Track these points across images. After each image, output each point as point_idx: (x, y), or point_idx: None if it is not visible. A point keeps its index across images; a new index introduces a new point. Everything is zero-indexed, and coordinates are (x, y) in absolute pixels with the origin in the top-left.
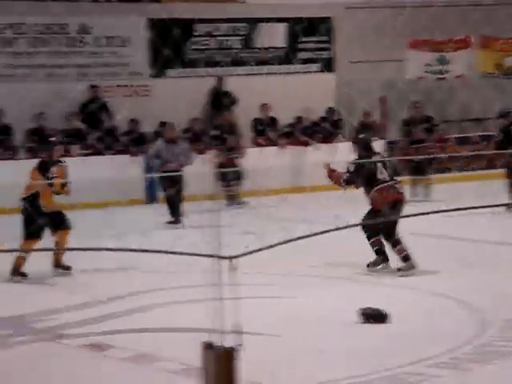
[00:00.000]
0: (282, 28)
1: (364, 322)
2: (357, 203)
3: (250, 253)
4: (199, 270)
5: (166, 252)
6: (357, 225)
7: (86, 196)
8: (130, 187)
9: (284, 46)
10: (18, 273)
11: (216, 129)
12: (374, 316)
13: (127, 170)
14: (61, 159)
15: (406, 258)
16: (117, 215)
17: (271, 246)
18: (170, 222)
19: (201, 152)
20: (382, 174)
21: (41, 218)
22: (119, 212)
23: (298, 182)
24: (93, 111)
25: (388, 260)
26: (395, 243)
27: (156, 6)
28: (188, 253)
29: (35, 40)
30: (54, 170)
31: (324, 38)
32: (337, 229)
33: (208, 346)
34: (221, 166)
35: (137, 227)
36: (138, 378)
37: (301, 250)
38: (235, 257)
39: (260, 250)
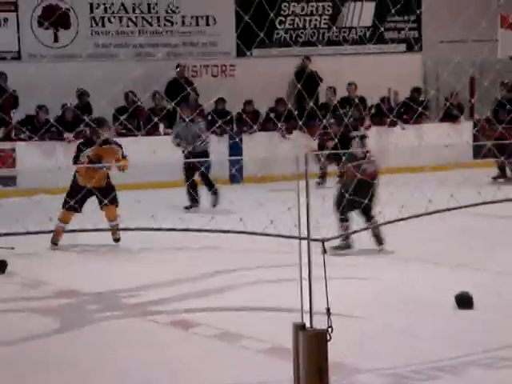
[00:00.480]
0: (369, 7)
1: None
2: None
3: (342, 236)
4: (289, 251)
5: (258, 234)
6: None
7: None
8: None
9: (371, 25)
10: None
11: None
12: (466, 301)
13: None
14: (110, 140)
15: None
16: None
17: (364, 229)
18: (187, 207)
19: (288, 132)
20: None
21: (81, 192)
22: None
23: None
24: (179, 90)
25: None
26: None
27: None
28: (280, 235)
29: (125, 19)
30: (88, 150)
31: (412, 18)
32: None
33: (300, 328)
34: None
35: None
36: (224, 356)
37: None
38: (328, 239)
39: (354, 232)
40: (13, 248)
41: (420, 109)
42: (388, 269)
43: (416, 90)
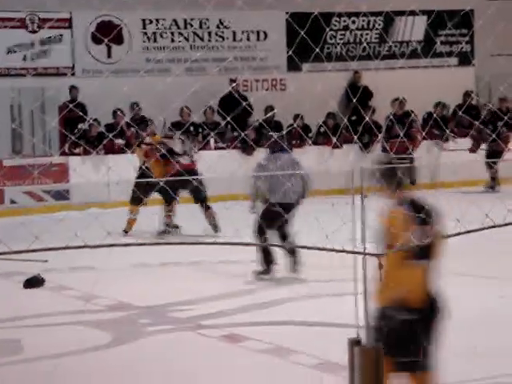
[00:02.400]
0: (420, 21)
1: None
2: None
3: (399, 250)
4: (343, 265)
5: (313, 248)
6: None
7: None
8: None
9: (421, 39)
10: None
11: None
12: None
13: None
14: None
15: None
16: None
17: (418, 245)
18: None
19: (336, 147)
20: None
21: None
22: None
23: (436, 177)
24: (232, 105)
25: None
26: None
27: (295, 0)
28: (334, 249)
29: (177, 34)
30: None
31: (463, 31)
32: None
33: (355, 343)
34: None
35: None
36: (275, 371)
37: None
38: (384, 254)
39: (407, 247)
40: (46, 261)
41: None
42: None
43: (467, 94)
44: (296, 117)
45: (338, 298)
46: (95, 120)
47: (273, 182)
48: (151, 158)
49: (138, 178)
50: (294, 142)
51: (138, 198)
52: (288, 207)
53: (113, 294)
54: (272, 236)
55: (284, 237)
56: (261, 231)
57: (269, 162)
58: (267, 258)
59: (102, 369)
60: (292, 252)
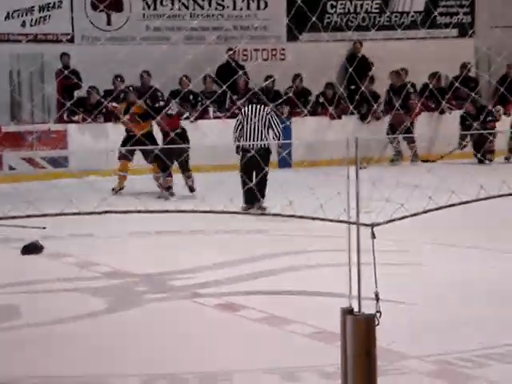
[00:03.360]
0: None
1: None
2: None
3: (392, 221)
4: (338, 236)
5: (307, 217)
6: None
7: (217, 158)
8: None
9: (423, 9)
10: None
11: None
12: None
13: None
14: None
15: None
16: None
17: (414, 215)
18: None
19: (338, 116)
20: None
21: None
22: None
23: (433, 150)
24: (230, 74)
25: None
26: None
27: None
28: (328, 219)
29: (177, 2)
30: None
31: (464, 2)
32: (477, 200)
33: (348, 312)
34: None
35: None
36: (270, 340)
37: (438, 220)
38: (377, 224)
39: (402, 218)
40: (44, 228)
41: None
42: (438, 254)
43: (464, 66)
44: (296, 77)
45: (334, 268)
46: (93, 87)
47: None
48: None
49: (125, 140)
50: (291, 109)
51: (125, 155)
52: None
53: (110, 261)
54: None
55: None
56: (243, 172)
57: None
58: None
59: (97, 334)
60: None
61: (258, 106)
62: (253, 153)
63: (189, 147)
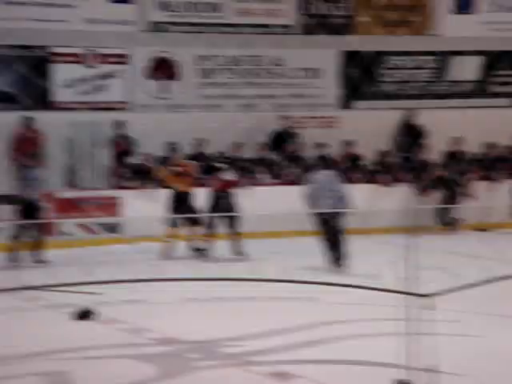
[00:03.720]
0: (475, 61)
1: None
2: None
3: (447, 291)
4: (389, 304)
5: (359, 287)
6: None
7: (270, 225)
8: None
9: (476, 79)
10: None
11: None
12: None
13: None
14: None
15: None
16: (297, 245)
17: (471, 286)
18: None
19: (388, 184)
20: None
21: None
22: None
23: (487, 218)
24: (284, 141)
25: None
26: None
27: (349, 39)
28: (383, 289)
29: (230, 71)
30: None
31: None
32: None
33: None
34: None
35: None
36: None
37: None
38: (431, 295)
39: (458, 289)
40: (97, 293)
41: None
42: (492, 327)
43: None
44: (348, 144)
45: (387, 337)
46: (147, 154)
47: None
48: (184, 181)
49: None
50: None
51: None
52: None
53: (161, 328)
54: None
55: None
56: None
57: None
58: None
59: None
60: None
61: (327, 172)
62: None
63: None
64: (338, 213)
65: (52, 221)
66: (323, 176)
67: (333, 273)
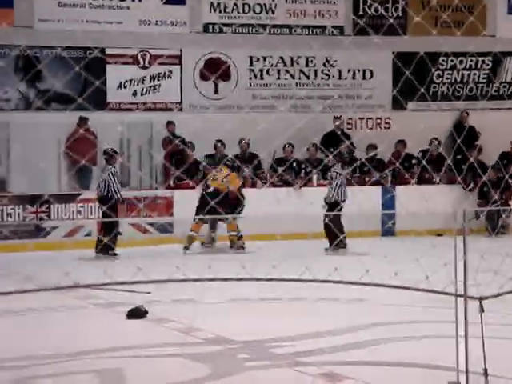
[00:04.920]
0: None
1: None
2: None
3: (501, 294)
4: (441, 306)
5: (413, 289)
6: None
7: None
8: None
9: None
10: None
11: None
12: None
13: (367, 200)
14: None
15: None
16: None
17: None
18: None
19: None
20: None
21: None
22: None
23: None
24: (335, 142)
25: None
26: None
27: (402, 39)
28: (435, 291)
29: (282, 72)
30: None
31: None
32: None
33: None
34: None
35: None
36: None
37: None
38: (485, 298)
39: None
40: (149, 293)
41: None
42: None
43: None
44: (398, 143)
45: (439, 339)
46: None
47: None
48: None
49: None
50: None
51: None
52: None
53: (212, 327)
54: None
55: None
56: None
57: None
58: None
59: None
60: None
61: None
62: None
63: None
64: None
65: (107, 220)
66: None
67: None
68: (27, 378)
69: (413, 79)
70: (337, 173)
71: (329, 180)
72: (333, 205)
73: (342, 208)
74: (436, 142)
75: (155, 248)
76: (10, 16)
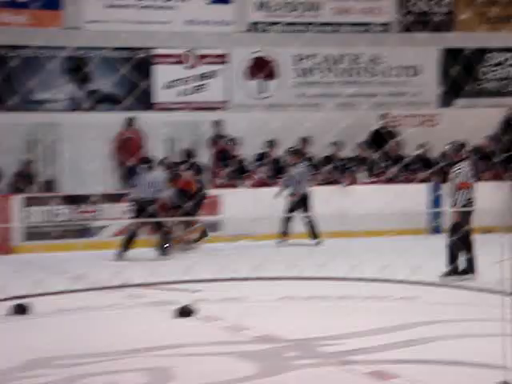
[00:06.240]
0: None
1: None
2: None
3: None
4: (489, 305)
5: (460, 287)
6: None
7: (370, 224)
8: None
9: None
10: None
11: None
12: None
13: (414, 198)
14: None
15: None
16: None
17: None
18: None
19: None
20: None
21: None
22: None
23: None
24: (383, 140)
25: None
26: None
27: (449, 36)
28: (482, 288)
29: (328, 70)
30: None
31: None
32: None
33: None
34: None
35: (412, 258)
36: None
37: None
38: None
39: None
40: (197, 291)
41: None
42: None
43: None
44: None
45: (487, 338)
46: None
47: None
48: None
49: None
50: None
51: None
52: None
53: (260, 326)
54: None
55: None
56: None
57: None
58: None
59: None
60: None
61: None
62: None
63: None
64: None
65: (155, 220)
66: None
67: (432, 272)
68: (78, 376)
69: (460, 76)
70: None
71: None
72: None
73: None
74: (484, 139)
75: (203, 247)
76: (59, 18)
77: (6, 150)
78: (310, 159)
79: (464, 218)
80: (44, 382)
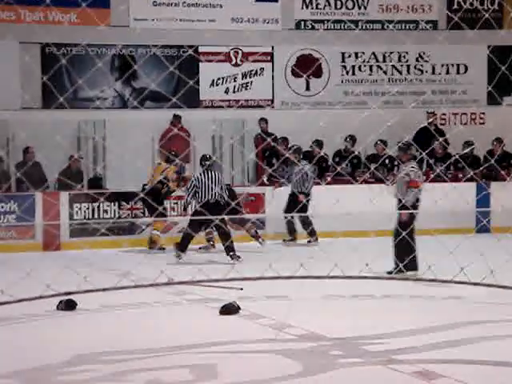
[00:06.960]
0: None
1: None
2: None
3: None
4: None
5: (507, 287)
6: None
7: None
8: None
9: None
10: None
11: None
12: None
13: (461, 197)
14: None
15: None
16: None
17: None
18: None
19: None
20: None
21: None
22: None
23: None
24: (429, 139)
25: None
26: None
27: (497, 33)
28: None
29: (375, 68)
30: None
31: None
32: None
33: None
34: None
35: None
36: None
37: None
38: None
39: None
40: (241, 289)
41: None
42: None
43: None
44: (496, 141)
45: None
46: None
47: None
48: None
49: None
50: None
51: None
52: None
53: (304, 324)
54: None
55: None
56: None
57: None
58: None
59: None
60: None
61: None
62: None
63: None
64: None
65: (200, 218)
66: None
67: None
68: (123, 372)
69: (509, 74)
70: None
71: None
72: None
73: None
74: None
75: (247, 245)
76: (107, 16)
77: (55, 147)
78: (357, 157)
79: (413, 217)
80: (88, 378)
